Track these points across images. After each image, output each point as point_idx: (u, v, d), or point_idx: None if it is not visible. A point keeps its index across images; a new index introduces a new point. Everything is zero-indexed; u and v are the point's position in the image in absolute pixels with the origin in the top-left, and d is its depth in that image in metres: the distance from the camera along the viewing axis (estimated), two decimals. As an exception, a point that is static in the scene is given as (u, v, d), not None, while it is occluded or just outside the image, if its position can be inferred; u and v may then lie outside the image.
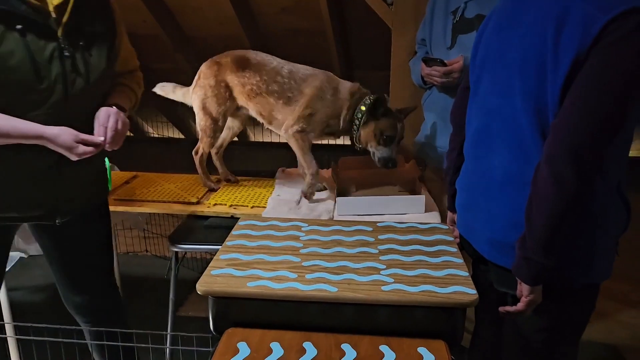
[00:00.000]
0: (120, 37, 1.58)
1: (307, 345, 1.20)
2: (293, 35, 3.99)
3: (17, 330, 1.49)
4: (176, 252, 1.81)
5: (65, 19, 1.39)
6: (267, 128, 2.11)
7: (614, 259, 1.22)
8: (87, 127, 1.48)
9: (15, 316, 1.72)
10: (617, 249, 1.22)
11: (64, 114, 1.43)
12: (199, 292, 1.27)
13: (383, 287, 1.26)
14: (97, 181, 1.70)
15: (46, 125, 1.38)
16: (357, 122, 1.96)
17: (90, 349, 1.80)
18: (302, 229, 1.62)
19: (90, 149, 1.42)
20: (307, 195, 1.98)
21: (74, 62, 1.42)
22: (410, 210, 1.82)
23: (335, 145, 4.58)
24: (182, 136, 5.23)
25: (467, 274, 1.32)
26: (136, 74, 1.72)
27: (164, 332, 1.40)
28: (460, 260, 1.40)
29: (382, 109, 1.94)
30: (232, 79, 1.99)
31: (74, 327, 1.45)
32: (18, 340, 1.57)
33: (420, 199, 1.83)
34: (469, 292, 1.24)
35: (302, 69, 2.00)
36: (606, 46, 1.00)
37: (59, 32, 1.38)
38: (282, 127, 1.98)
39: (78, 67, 1.43)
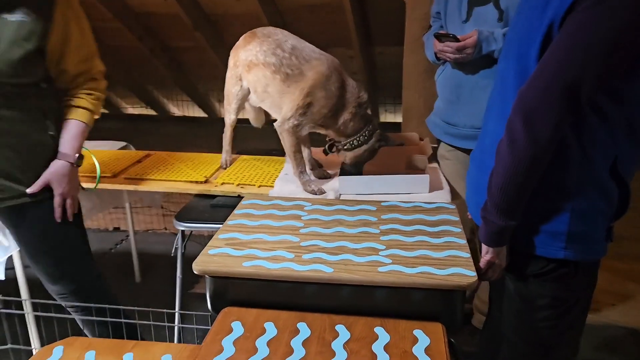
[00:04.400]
0: (62, 23, 1.50)
1: (302, 325, 1.19)
2: (310, 11, 3.92)
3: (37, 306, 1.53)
4: (182, 231, 1.82)
5: None
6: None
7: (601, 240, 1.17)
8: None
9: (40, 292, 1.75)
10: (611, 233, 1.17)
11: None
12: (195, 272, 1.27)
13: (380, 268, 1.23)
14: (27, 168, 1.58)
15: None
16: (354, 143, 1.84)
17: (82, 327, 1.83)
18: (305, 208, 1.60)
19: None
20: (315, 192, 1.84)
21: None
22: (415, 189, 1.78)
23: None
24: (204, 115, 5.26)
25: (468, 255, 1.29)
26: (98, 84, 1.66)
27: (164, 310, 1.42)
28: (463, 241, 1.36)
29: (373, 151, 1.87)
30: (241, 55, 1.96)
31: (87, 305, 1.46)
32: (36, 316, 1.61)
33: (425, 178, 1.78)
34: (468, 274, 1.20)
35: (309, 50, 1.84)
36: (576, 14, 0.97)
37: None
38: (279, 118, 1.85)
39: None
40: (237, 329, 1.19)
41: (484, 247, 1.22)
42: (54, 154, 1.59)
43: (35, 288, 1.85)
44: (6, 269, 1.83)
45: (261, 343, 1.13)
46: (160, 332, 1.85)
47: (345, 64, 4.38)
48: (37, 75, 1.51)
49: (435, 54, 1.98)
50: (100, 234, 3.45)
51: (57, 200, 1.61)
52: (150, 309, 1.42)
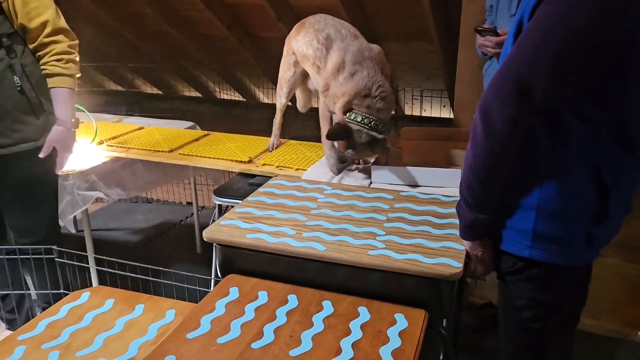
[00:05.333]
0: None
1: (292, 297, 1.27)
2: (391, 4, 3.92)
3: (105, 263, 1.74)
4: (219, 205, 1.97)
5: None
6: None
7: (577, 245, 1.11)
8: None
9: (114, 252, 1.96)
10: (593, 240, 1.10)
11: None
12: (204, 239, 1.40)
13: (370, 252, 1.28)
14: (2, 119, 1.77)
15: None
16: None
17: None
18: (325, 192, 1.67)
19: None
20: (335, 170, 1.86)
21: None
22: (446, 183, 1.77)
23: (404, 115, 4.46)
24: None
25: (463, 247, 1.29)
26: (62, 47, 1.79)
27: (185, 273, 1.56)
28: (465, 235, 1.36)
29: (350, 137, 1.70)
30: (293, 45, 2.06)
31: (152, 266, 1.64)
32: (106, 273, 1.80)
33: (456, 172, 1.76)
34: (454, 264, 1.22)
35: (340, 39, 1.83)
36: (539, 7, 0.95)
37: None
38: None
39: None
40: (234, 293, 1.29)
41: (463, 241, 1.22)
42: (26, 105, 1.79)
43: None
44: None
45: (250, 308, 1.23)
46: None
47: (427, 59, 4.33)
48: None
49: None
50: (174, 207, 3.75)
51: (59, 159, 1.85)
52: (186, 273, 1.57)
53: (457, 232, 1.37)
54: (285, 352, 1.08)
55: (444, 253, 1.27)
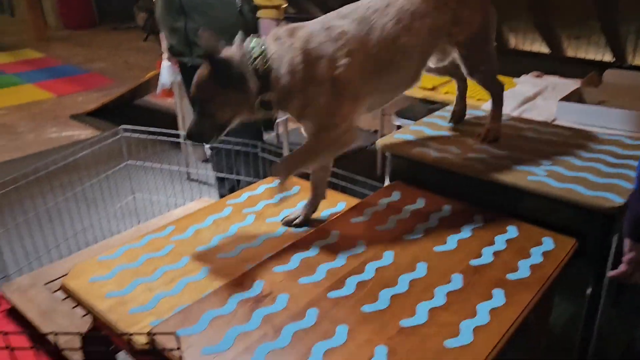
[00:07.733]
0: None
1: (446, 207, 1.40)
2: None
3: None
4: (399, 126, 2.13)
5: None
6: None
7: None
8: None
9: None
10: None
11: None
12: (376, 148, 1.58)
13: (529, 177, 1.33)
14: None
15: None
16: None
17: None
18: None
19: None
20: None
21: None
22: (634, 127, 1.66)
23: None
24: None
25: (630, 186, 1.26)
26: None
27: (358, 177, 1.79)
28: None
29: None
30: None
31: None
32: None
33: (647, 116, 1.64)
34: (612, 198, 1.21)
35: None
36: None
37: None
38: None
39: None
40: (395, 196, 1.46)
41: (626, 243, 1.08)
42: (243, 24, 2.07)
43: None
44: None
45: (406, 209, 1.38)
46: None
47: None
48: None
49: None
50: (364, 133, 4.01)
51: None
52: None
53: (631, 173, 1.33)
54: (429, 246, 1.22)
55: (608, 188, 1.26)
